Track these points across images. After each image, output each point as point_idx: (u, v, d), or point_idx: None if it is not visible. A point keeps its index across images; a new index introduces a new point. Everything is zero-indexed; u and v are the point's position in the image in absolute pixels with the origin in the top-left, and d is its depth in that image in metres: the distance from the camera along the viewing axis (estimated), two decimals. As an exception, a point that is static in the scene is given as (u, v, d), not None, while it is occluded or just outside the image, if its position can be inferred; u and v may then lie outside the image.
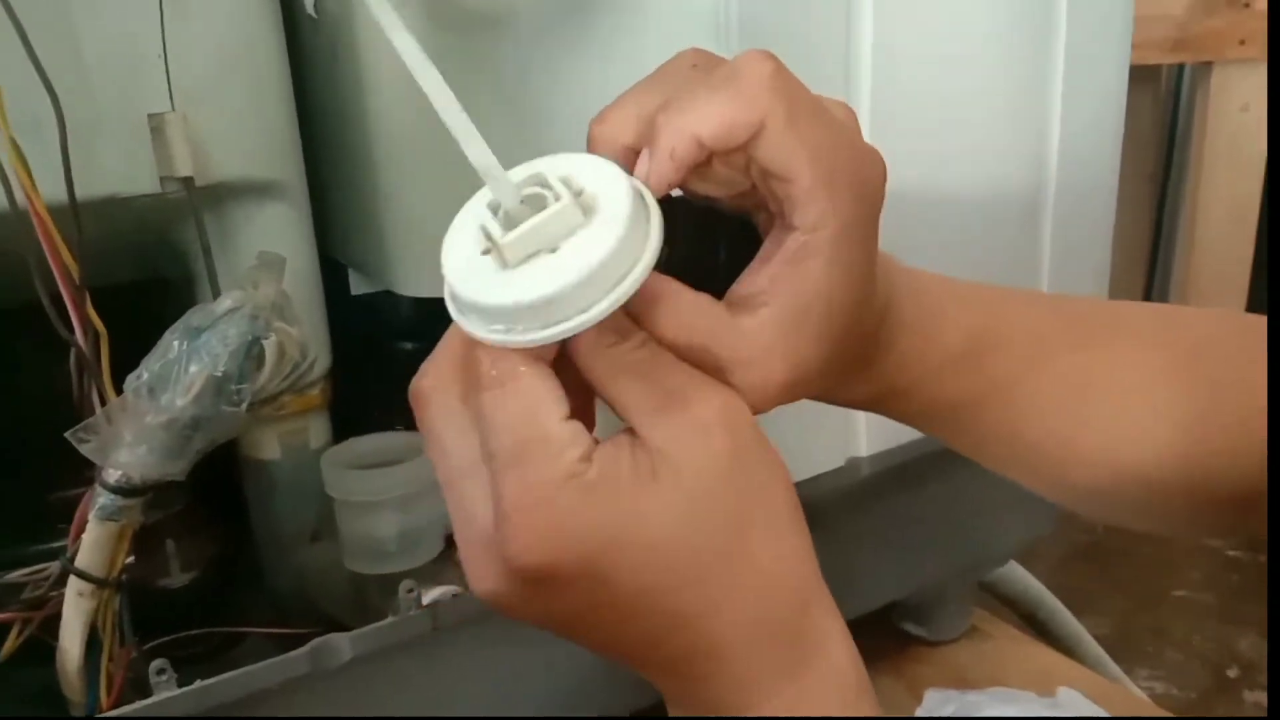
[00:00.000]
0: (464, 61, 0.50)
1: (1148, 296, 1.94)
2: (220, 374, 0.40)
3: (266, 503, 0.58)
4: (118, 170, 0.46)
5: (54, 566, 0.42)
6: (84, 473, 0.43)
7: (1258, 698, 1.50)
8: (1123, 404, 0.43)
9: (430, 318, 0.37)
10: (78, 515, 0.42)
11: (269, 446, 0.57)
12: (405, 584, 0.49)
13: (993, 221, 0.62)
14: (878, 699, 0.35)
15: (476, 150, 0.32)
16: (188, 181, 0.46)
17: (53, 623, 0.43)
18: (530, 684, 0.55)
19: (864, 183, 0.35)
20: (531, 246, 0.31)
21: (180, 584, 0.59)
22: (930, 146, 0.58)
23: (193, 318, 0.41)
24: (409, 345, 0.61)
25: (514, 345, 0.30)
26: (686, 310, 0.35)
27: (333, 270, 0.58)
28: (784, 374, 0.35)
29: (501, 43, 0.50)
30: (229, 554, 0.60)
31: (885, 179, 0.36)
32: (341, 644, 0.48)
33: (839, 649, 0.34)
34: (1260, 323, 0.44)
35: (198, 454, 0.41)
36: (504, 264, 0.31)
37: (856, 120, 0.36)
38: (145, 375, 0.40)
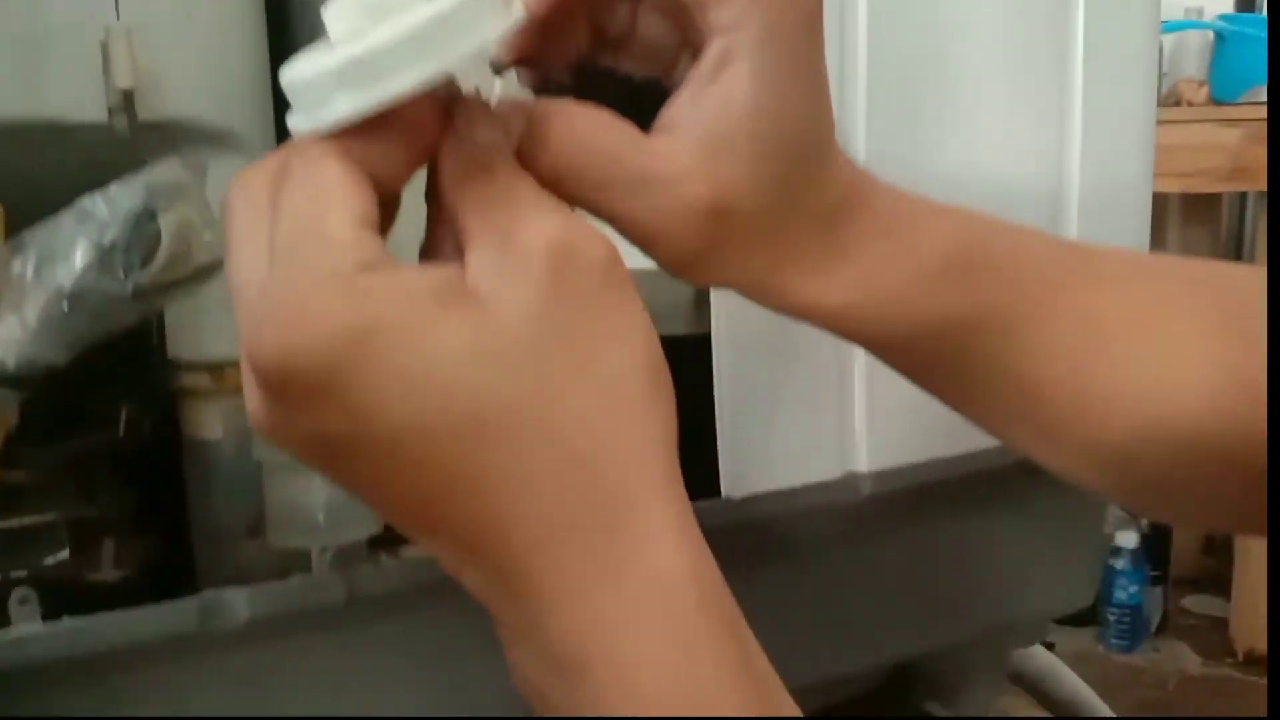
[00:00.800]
0: None
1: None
2: (107, 244, 0.37)
3: (204, 490, 0.54)
4: (63, 94, 0.46)
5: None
6: None
7: None
8: (1156, 345, 0.36)
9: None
10: (-53, 406, 0.38)
11: (210, 424, 0.53)
12: (323, 547, 0.44)
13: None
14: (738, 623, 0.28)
15: None
16: (128, 98, 0.44)
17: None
18: (467, 670, 0.48)
19: None
20: (354, 20, 0.27)
21: (112, 579, 0.55)
22: (934, 136, 0.54)
23: (90, 198, 0.38)
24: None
25: (317, 127, 0.27)
26: (584, 126, 0.31)
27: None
28: (707, 194, 0.31)
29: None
30: (169, 553, 0.56)
31: None
32: (237, 601, 0.42)
33: (667, 559, 0.27)
34: None
35: (81, 341, 0.38)
36: (328, 40, 0.28)
37: None
38: (30, 248, 0.37)
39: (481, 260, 0.27)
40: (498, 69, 0.31)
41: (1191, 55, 1.94)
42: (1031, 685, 0.79)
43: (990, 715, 0.69)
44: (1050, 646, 0.87)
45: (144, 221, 0.37)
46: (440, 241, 0.30)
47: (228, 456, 0.53)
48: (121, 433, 0.56)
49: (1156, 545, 2.04)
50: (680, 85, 0.32)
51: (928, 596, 0.62)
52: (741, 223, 0.32)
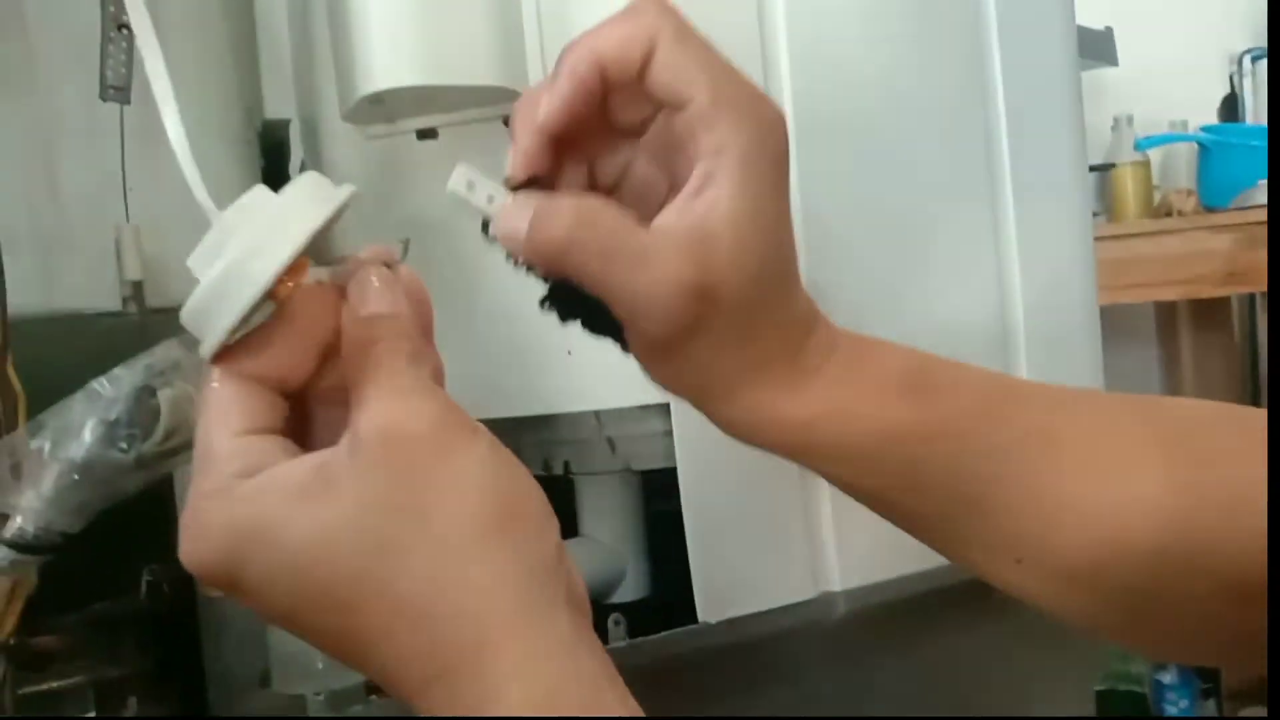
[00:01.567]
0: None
1: None
2: (111, 419, 0.41)
3: (218, 644, 0.57)
4: (80, 287, 0.51)
5: (-55, 627, 0.42)
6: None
7: None
8: (1105, 460, 0.38)
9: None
10: (-26, 574, 0.42)
11: (223, 580, 0.57)
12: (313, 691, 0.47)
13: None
14: None
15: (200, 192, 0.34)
16: (138, 288, 0.50)
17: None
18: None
19: (765, 113, 0.35)
20: (212, 255, 0.32)
21: (132, 735, 0.57)
22: (875, 283, 0.58)
23: (98, 381, 0.43)
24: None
25: (207, 354, 0.33)
26: (591, 205, 0.35)
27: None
28: (692, 273, 0.34)
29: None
30: (187, 704, 0.59)
31: (784, 117, 0.36)
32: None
33: (527, 688, 0.29)
34: (1246, 413, 0.39)
35: (91, 507, 0.42)
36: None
37: None
38: (47, 427, 0.41)
39: (339, 446, 0.31)
40: (512, 185, 0.36)
41: (1181, 166, 1.99)
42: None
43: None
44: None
45: (145, 398, 0.42)
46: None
47: (239, 613, 0.56)
48: (143, 595, 0.59)
49: (1206, 656, 1.98)
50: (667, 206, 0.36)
51: (922, 713, 0.63)
52: (722, 310, 0.35)
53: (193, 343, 0.48)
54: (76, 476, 0.41)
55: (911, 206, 0.59)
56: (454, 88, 0.51)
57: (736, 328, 0.36)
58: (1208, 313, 2.00)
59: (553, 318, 0.37)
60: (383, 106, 0.53)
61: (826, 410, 0.38)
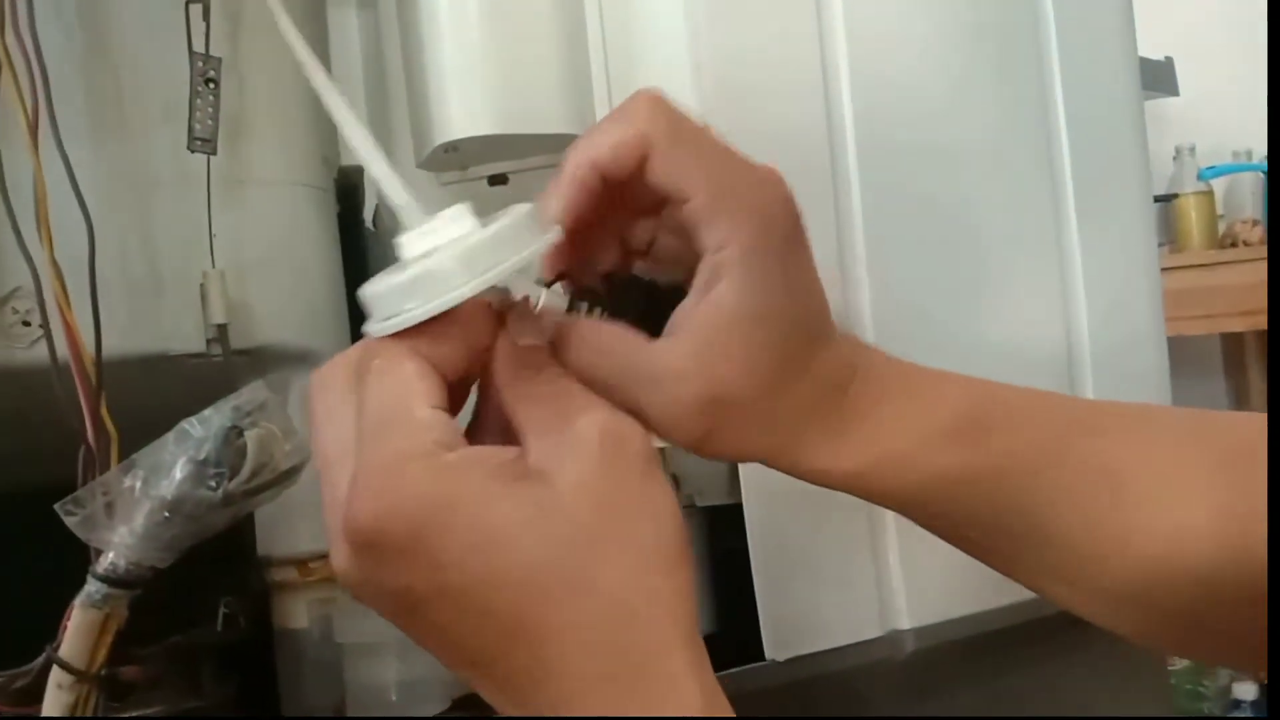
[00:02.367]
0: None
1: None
2: (201, 458, 0.43)
3: (294, 675, 0.58)
4: (168, 331, 0.53)
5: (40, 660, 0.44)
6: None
7: None
8: (1164, 492, 0.39)
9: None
10: (68, 609, 0.44)
11: (298, 615, 0.58)
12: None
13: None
14: None
15: (391, 188, 0.36)
16: (223, 331, 0.52)
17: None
18: None
19: (766, 201, 0.37)
20: (421, 246, 0.34)
21: (209, 765, 0.59)
22: (941, 315, 0.59)
23: (189, 421, 0.45)
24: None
25: (391, 330, 0.33)
26: (604, 338, 0.37)
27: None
28: (701, 389, 0.36)
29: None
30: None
31: (790, 197, 0.37)
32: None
33: (694, 695, 0.31)
34: None
35: (181, 543, 0.44)
36: (400, 263, 0.34)
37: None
38: (139, 466, 0.43)
39: (543, 444, 0.32)
40: (543, 283, 0.38)
41: (1246, 195, 1.96)
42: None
43: None
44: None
45: (232, 438, 0.43)
46: (486, 425, 0.36)
47: (314, 643, 0.58)
48: (220, 627, 0.61)
49: (1282, 695, 1.93)
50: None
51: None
52: (738, 411, 0.37)
53: (277, 385, 0.50)
54: (167, 514, 0.43)
55: (975, 235, 0.59)
56: (525, 136, 0.53)
57: (759, 415, 0.37)
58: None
59: None
60: (456, 154, 0.54)
61: (876, 460, 0.38)
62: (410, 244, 0.35)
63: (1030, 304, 0.61)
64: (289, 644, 0.58)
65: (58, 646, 0.43)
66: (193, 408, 0.58)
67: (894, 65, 0.58)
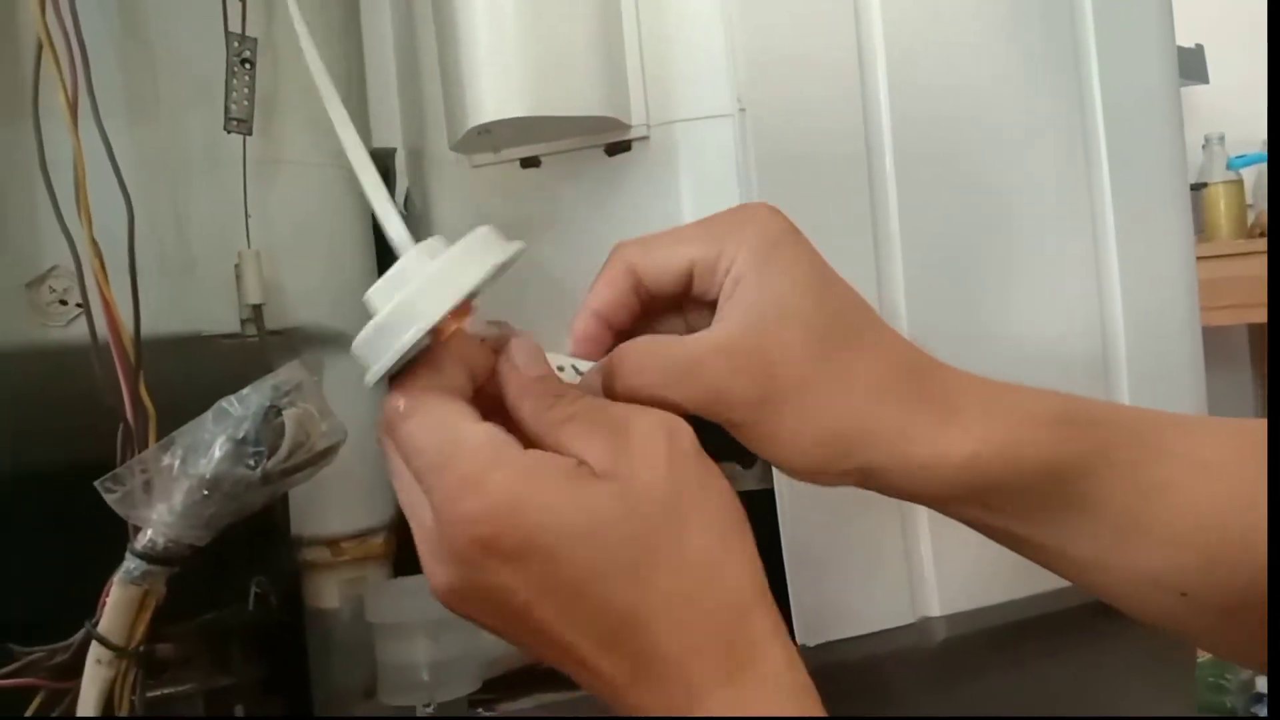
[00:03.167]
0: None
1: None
2: (240, 437, 0.43)
3: (324, 653, 0.59)
4: (203, 310, 0.53)
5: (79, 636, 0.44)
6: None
7: None
8: (1251, 488, 0.38)
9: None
10: (107, 584, 0.44)
11: (329, 595, 0.59)
12: (421, 703, 0.48)
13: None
14: (821, 704, 0.34)
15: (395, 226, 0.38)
16: (258, 311, 0.52)
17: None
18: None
19: (755, 217, 0.39)
20: (390, 292, 0.36)
21: (240, 742, 0.59)
22: (975, 310, 0.58)
23: (227, 400, 0.45)
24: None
25: (384, 369, 0.35)
26: (643, 344, 0.39)
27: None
28: (745, 359, 0.38)
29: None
30: (293, 715, 0.60)
31: (776, 209, 0.40)
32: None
33: (778, 653, 0.34)
34: None
35: (219, 521, 0.44)
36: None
37: None
38: (178, 444, 0.43)
39: (603, 452, 0.34)
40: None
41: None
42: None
43: None
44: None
45: (270, 417, 0.43)
46: None
47: (344, 623, 0.58)
48: (251, 606, 0.61)
49: (1305, 689, 1.92)
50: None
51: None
52: (792, 375, 0.38)
53: (313, 365, 0.50)
54: (206, 492, 0.43)
55: (1010, 222, 0.59)
56: (559, 118, 0.52)
57: (822, 385, 0.38)
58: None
59: None
60: (489, 136, 0.54)
61: (987, 446, 0.38)
62: (384, 288, 0.36)
63: (1066, 292, 0.60)
64: (320, 624, 0.59)
65: (97, 622, 0.44)
66: (226, 387, 0.59)
67: (930, 49, 0.57)
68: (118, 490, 0.42)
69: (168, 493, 0.43)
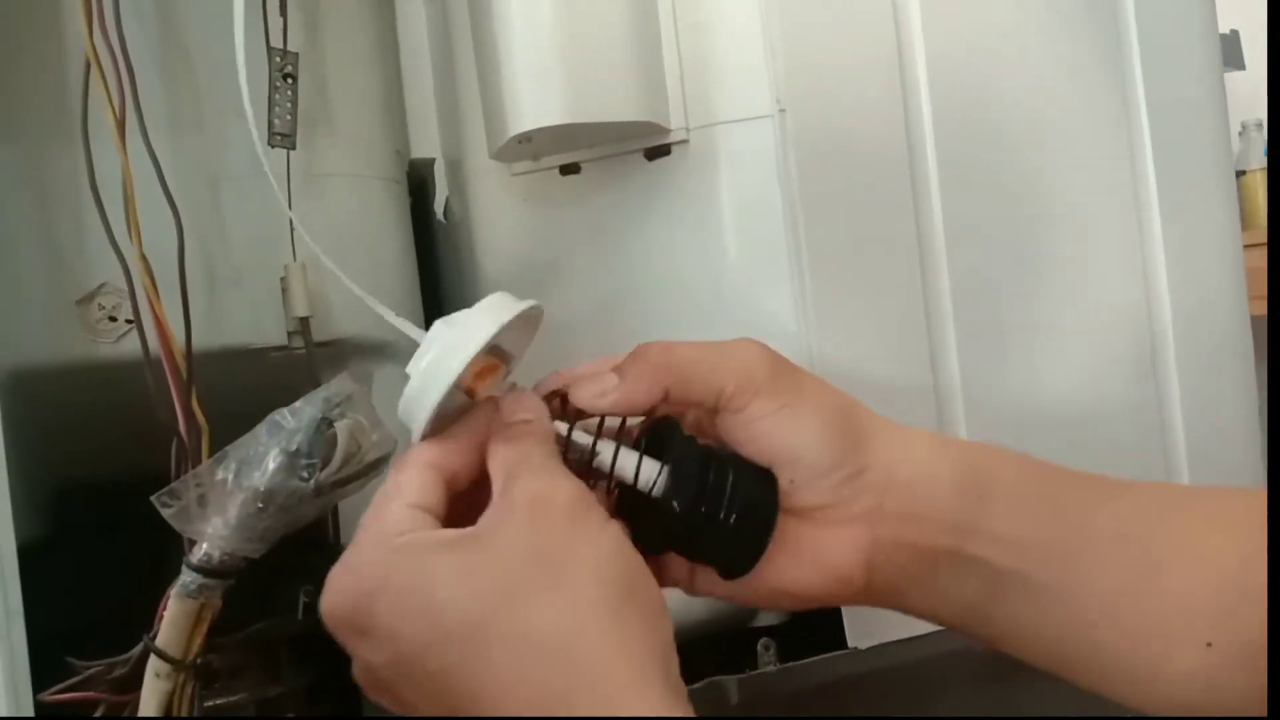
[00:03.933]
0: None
1: None
2: (293, 449, 0.43)
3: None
4: (250, 324, 0.54)
5: (137, 649, 0.45)
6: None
7: None
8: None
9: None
10: (164, 598, 0.45)
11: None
12: None
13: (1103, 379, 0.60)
14: None
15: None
16: (305, 323, 0.52)
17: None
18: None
19: (741, 350, 0.39)
20: (419, 359, 0.37)
21: (291, 749, 0.60)
22: (1021, 306, 0.58)
23: (279, 413, 0.45)
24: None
25: (420, 439, 0.37)
26: (674, 347, 0.39)
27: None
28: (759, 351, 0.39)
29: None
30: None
31: (761, 349, 0.39)
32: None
33: None
34: None
35: (273, 533, 0.44)
36: None
37: None
38: (231, 458, 0.44)
39: (489, 511, 0.35)
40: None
41: (1314, 171, 1.91)
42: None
43: None
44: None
45: (323, 429, 0.44)
46: None
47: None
48: (300, 615, 0.61)
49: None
50: None
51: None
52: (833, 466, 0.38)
53: (362, 376, 0.50)
54: (260, 505, 0.43)
55: (1054, 215, 0.58)
56: (598, 124, 0.52)
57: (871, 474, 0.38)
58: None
59: None
60: (529, 144, 0.54)
61: (992, 542, 0.39)
62: (416, 358, 0.38)
63: (1111, 286, 0.59)
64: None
65: (154, 636, 0.44)
66: (273, 400, 0.59)
67: (969, 44, 0.57)
68: (174, 505, 0.43)
69: (222, 506, 0.43)
